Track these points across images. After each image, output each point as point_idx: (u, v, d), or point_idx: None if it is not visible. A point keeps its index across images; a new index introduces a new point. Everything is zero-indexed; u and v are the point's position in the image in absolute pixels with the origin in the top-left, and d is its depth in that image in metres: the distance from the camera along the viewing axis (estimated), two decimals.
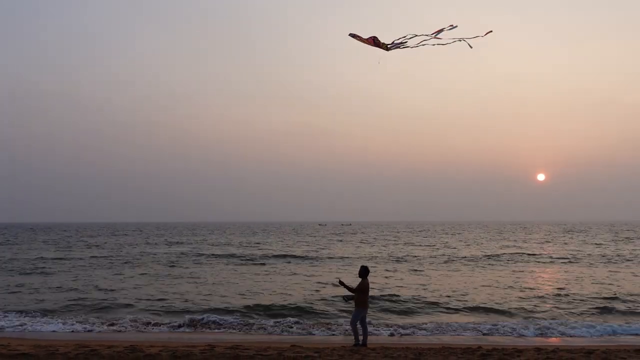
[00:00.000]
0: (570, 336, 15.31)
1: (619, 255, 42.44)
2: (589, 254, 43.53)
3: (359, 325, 12.84)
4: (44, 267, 33.17)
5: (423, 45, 8.54)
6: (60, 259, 40.11)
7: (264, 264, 35.55)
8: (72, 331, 15.66)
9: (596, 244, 59.59)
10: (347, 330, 15.05)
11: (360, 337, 12.80)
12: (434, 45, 8.52)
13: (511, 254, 44.44)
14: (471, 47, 8.58)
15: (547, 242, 65.33)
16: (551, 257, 40.95)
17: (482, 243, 61.85)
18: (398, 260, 39.03)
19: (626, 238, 71.79)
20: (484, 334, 15.34)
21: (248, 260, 39.05)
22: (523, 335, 15.28)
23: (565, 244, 60.09)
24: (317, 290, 23.05)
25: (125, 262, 36.55)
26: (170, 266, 34.20)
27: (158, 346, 12.56)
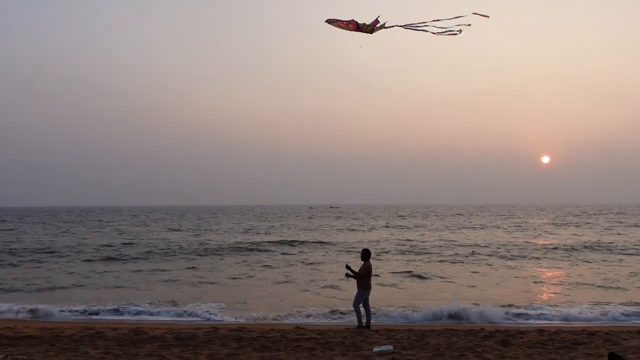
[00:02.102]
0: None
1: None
2: None
3: (362, 307, 12.90)
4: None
5: (418, 30, 7.88)
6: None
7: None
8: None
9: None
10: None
11: (364, 319, 12.86)
12: (419, 30, 7.83)
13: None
14: (462, 30, 7.92)
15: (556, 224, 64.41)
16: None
17: (511, 228, 57.56)
18: (412, 251, 34.05)
19: None
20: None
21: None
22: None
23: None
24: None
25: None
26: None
27: (162, 328, 12.67)
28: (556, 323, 14.33)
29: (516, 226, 61.22)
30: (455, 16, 7.82)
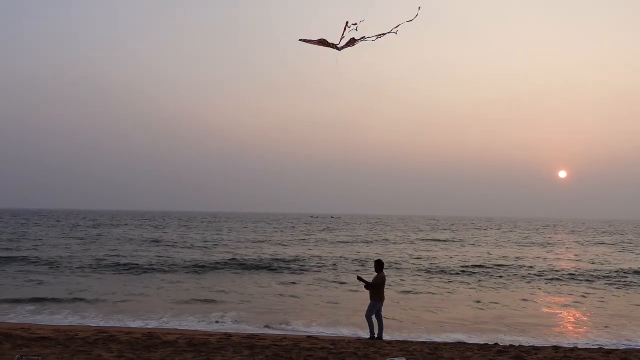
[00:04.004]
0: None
1: None
2: None
3: (374, 319, 12.86)
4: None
5: (377, 39, 8.48)
6: None
7: None
8: None
9: None
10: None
11: (376, 331, 12.81)
12: (375, 38, 8.45)
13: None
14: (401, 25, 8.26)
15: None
16: None
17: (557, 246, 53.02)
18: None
19: None
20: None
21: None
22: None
23: None
24: None
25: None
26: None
27: (175, 334, 12.72)
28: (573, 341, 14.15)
29: (548, 243, 58.42)
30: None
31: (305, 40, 8.52)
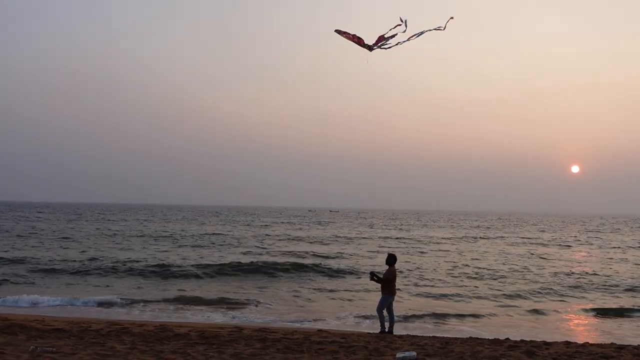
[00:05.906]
0: None
1: None
2: None
3: (385, 313, 12.87)
4: None
5: (401, 43, 8.75)
6: None
7: None
8: None
9: None
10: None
11: (387, 325, 12.82)
12: (403, 42, 8.75)
13: None
14: (441, 28, 8.87)
15: None
16: None
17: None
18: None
19: None
20: None
21: None
22: None
23: None
24: None
25: None
26: None
27: (187, 327, 12.82)
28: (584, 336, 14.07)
29: (569, 241, 54.94)
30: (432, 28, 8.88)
31: (340, 32, 8.71)
